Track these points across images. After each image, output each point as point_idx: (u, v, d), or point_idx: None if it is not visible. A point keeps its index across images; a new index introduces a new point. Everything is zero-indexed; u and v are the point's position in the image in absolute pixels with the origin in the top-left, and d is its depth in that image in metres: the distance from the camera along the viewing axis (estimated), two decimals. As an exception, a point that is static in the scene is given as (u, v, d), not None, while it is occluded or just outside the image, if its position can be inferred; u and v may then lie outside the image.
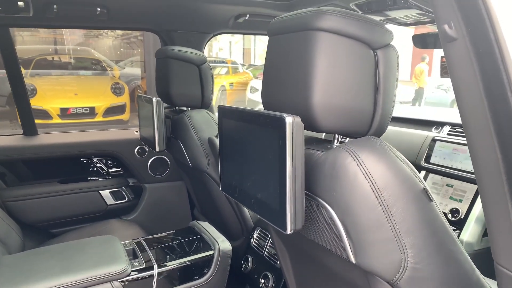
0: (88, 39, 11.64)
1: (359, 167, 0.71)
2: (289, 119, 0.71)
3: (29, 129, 2.04)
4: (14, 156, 1.97)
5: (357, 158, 0.72)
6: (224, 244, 1.30)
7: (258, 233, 1.60)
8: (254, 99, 9.76)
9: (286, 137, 0.71)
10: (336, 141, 0.83)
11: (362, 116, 0.79)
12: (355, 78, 0.77)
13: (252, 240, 1.62)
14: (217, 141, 1.63)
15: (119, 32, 12.26)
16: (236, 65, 11.77)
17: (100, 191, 2.10)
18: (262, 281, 1.48)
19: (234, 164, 0.94)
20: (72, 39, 10.72)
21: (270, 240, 1.51)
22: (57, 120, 6.76)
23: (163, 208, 2.25)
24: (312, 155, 0.81)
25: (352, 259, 0.76)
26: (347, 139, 0.82)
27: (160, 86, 1.79)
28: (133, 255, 1.31)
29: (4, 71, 1.90)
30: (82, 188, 2.07)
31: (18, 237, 1.71)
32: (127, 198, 2.19)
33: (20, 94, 1.97)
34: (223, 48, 18.48)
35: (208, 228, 1.42)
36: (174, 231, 1.48)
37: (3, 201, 1.88)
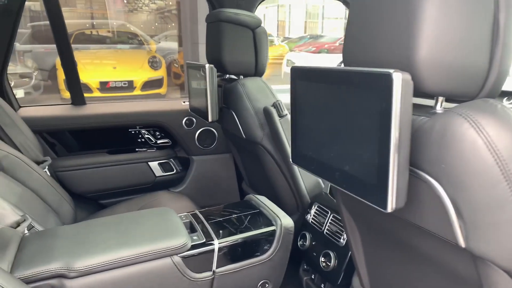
0: (124, 14, 11.68)
1: (478, 134, 0.59)
2: (397, 76, 0.59)
3: (78, 99, 2.02)
4: (64, 126, 1.96)
5: (475, 124, 0.60)
6: (286, 220, 1.22)
7: (316, 209, 1.51)
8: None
9: (392, 97, 0.59)
10: (439, 105, 0.70)
11: (475, 74, 0.66)
12: (470, 28, 0.64)
13: (309, 216, 1.53)
14: (273, 110, 1.53)
15: (154, 6, 12.22)
16: (271, 37, 11.50)
17: (149, 163, 2.07)
18: (323, 259, 1.40)
19: (312, 133, 0.84)
20: (108, 14, 10.80)
21: (331, 217, 1.42)
22: (97, 94, 6.85)
23: (211, 181, 2.20)
24: (414, 121, 0.69)
25: (462, 243, 0.65)
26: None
27: (211, 52, 1.69)
28: (190, 228, 1.25)
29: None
30: (130, 159, 2.04)
31: (70, 207, 1.70)
32: (175, 170, 2.14)
33: (69, 65, 1.94)
34: (258, 21, 18.12)
35: (266, 202, 1.34)
36: (230, 203, 1.41)
37: (54, 171, 1.88)
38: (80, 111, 1.99)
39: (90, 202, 2.00)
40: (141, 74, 7.35)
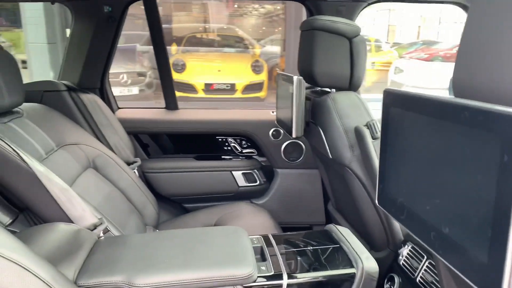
0: (234, 18, 12.16)
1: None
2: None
3: (171, 104, 2.07)
4: (156, 129, 2.02)
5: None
6: (369, 263, 1.04)
7: (410, 251, 1.29)
8: (398, 81, 8.90)
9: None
10: None
11: None
12: None
13: (400, 257, 1.32)
14: (366, 131, 1.35)
15: (263, 10, 12.50)
16: (378, 42, 10.91)
17: (233, 172, 2.03)
18: (411, 309, 1.19)
19: (404, 175, 0.67)
20: (219, 18, 11.33)
21: (426, 263, 1.20)
22: (201, 94, 7.18)
23: (295, 197, 2.08)
24: None
25: None
26: None
27: (303, 62, 1.57)
28: (260, 254, 1.16)
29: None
30: (215, 167, 2.03)
31: (154, 209, 1.73)
32: (258, 182, 2.08)
33: (164, 70, 1.99)
34: (365, 24, 17.47)
35: (348, 237, 1.18)
36: (307, 232, 1.28)
37: (143, 172, 1.94)
38: (172, 115, 2.03)
39: (174, 205, 2.03)
40: (243, 77, 7.53)
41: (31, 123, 1.44)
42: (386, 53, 10.52)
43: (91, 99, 1.82)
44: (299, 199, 2.09)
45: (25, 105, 1.49)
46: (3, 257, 0.73)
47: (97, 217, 1.22)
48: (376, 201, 0.77)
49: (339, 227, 1.24)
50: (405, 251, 1.30)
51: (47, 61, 6.00)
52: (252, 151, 2.10)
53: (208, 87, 7.25)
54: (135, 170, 1.80)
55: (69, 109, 1.73)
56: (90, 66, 1.90)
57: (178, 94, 6.72)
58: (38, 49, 6.00)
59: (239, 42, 9.08)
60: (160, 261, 1.01)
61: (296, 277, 1.03)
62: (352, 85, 1.50)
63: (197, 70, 7.50)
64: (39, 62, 6.01)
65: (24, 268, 0.75)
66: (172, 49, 8.38)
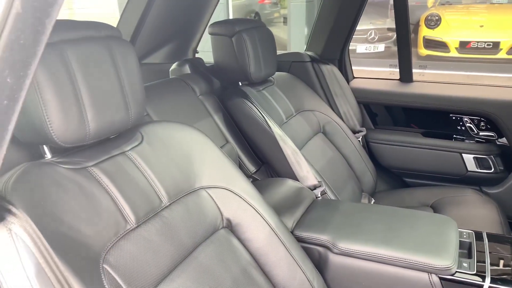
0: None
1: None
2: None
3: (406, 76, 2.04)
4: (387, 101, 2.05)
5: None
6: None
7: None
8: None
9: None
10: None
11: None
12: None
13: None
14: None
15: None
16: None
17: (463, 154, 1.88)
18: None
19: None
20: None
21: None
22: (454, 53, 6.47)
23: None
24: None
25: None
26: None
27: None
28: (467, 250, 1.11)
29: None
30: (444, 146, 1.92)
31: (372, 178, 1.84)
32: (493, 169, 1.86)
33: (403, 40, 1.96)
34: None
35: None
36: None
37: (367, 141, 2.05)
38: (406, 88, 2.01)
39: (394, 177, 2.07)
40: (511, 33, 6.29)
41: (279, 91, 1.74)
42: None
43: (330, 70, 2.01)
44: None
45: (277, 74, 1.79)
46: (244, 200, 1.01)
47: (317, 179, 1.43)
48: None
49: None
50: None
51: (304, 18, 6.63)
52: (491, 134, 1.87)
53: (464, 45, 6.41)
54: (360, 139, 1.92)
55: (310, 79, 1.97)
56: (333, 38, 2.07)
57: (426, 52, 6.33)
58: (298, 6, 6.68)
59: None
60: (364, 231, 1.13)
61: (500, 283, 0.97)
62: None
63: (454, 25, 6.71)
64: (297, 19, 6.71)
65: (257, 212, 1.01)
66: (429, 1, 7.72)
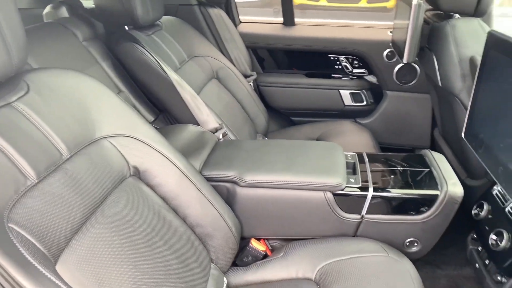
0: None
1: None
2: None
3: (289, 20, 2.14)
4: (272, 44, 2.14)
5: None
6: (454, 188, 1.10)
7: (506, 185, 1.29)
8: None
9: None
10: None
11: None
12: None
13: (495, 187, 1.33)
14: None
15: None
16: None
17: (340, 91, 2.10)
18: (494, 237, 1.23)
19: (491, 115, 0.72)
20: None
21: (519, 198, 1.20)
22: (323, 2, 6.90)
23: (401, 120, 2.10)
24: None
25: None
26: None
27: None
28: (352, 169, 1.29)
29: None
30: (324, 85, 2.12)
31: (264, 119, 1.95)
32: (365, 102, 2.12)
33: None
34: None
35: (440, 163, 1.23)
36: (400, 154, 1.36)
37: (257, 85, 2.14)
38: (289, 31, 2.12)
39: (283, 117, 2.22)
40: (370, -16, 6.93)
41: (168, 36, 1.68)
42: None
43: (218, 14, 2.00)
44: (405, 122, 2.09)
45: (164, 18, 1.72)
46: (150, 146, 1.00)
47: (218, 122, 1.47)
48: (462, 134, 0.83)
49: (434, 153, 1.29)
50: (501, 184, 1.30)
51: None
52: (363, 71, 2.12)
53: (330, -5, 6.89)
54: (251, 83, 1.99)
55: (198, 23, 1.94)
56: None
57: (299, 1, 6.53)
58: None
59: None
60: (266, 163, 1.22)
61: (380, 191, 1.15)
62: (478, 10, 1.39)
63: (323, -22, 7.12)
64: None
65: (165, 156, 1.01)
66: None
